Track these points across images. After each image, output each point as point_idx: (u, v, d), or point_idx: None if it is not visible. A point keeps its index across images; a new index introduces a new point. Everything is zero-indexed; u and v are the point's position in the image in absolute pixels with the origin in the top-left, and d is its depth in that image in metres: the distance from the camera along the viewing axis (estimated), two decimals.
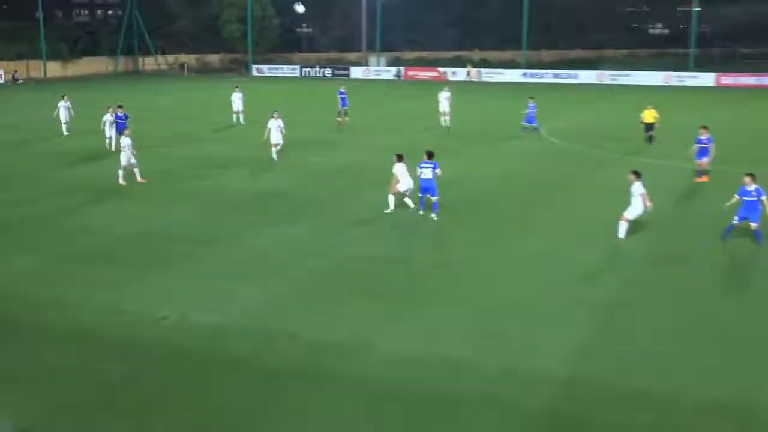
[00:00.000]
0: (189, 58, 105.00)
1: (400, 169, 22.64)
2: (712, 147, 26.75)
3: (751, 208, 19.33)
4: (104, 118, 35.29)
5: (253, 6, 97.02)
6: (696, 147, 27.14)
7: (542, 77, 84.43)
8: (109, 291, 16.51)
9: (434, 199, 22.42)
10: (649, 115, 36.02)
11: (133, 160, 27.65)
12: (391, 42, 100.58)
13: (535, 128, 40.05)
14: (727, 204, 19.91)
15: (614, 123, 44.64)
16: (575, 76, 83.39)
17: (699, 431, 10.88)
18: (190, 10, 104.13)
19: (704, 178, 27.12)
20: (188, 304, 15.76)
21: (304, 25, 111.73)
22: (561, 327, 14.56)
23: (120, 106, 36.05)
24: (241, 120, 45.08)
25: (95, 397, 11.94)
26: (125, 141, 27.75)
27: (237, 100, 45.34)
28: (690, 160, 27.72)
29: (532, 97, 41.58)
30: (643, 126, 36.17)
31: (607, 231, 20.26)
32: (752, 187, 19.43)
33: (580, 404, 11.74)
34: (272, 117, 32.61)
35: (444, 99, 42.03)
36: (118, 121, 34.83)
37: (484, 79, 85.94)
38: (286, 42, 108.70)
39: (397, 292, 16.60)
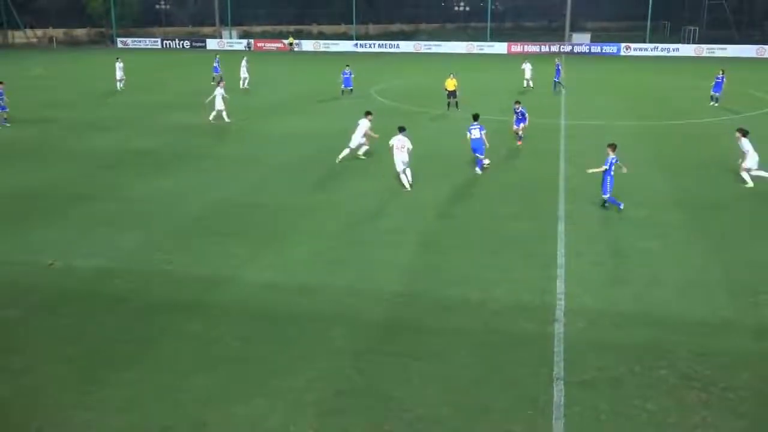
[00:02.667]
0: (57, 32, 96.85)
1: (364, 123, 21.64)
2: (527, 116, 26.04)
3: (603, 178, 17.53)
4: None
5: None
6: (514, 116, 26.32)
7: (370, 47, 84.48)
8: None
9: (481, 157, 21.48)
10: (451, 84, 35.13)
11: None
12: (240, 17, 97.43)
13: (351, 90, 40.52)
14: (589, 171, 18.34)
15: (428, 85, 45.42)
16: (396, 46, 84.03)
17: (495, 327, 11.56)
18: None
19: (520, 142, 26.38)
20: (72, 251, 14.88)
21: (162, 1, 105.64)
22: (392, 253, 14.87)
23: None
24: (120, 87, 43.24)
25: None
26: None
27: (119, 70, 43.54)
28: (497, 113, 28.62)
29: (347, 65, 42.21)
30: (446, 93, 35.22)
31: (419, 175, 20.81)
32: (610, 156, 17.43)
33: (410, 312, 12.10)
34: (218, 85, 31.02)
35: (243, 66, 43.72)
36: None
37: (322, 49, 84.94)
38: (147, 17, 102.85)
39: (256, 231, 16.37)
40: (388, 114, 33.88)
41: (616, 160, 17.47)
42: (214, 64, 46.54)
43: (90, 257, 14.56)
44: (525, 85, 43.10)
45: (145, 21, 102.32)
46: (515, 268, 14.05)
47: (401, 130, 19.82)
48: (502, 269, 13.98)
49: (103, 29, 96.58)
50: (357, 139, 22.45)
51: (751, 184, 19.87)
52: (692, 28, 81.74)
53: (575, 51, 77.58)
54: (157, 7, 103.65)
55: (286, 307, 12.27)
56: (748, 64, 62.42)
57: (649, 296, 12.66)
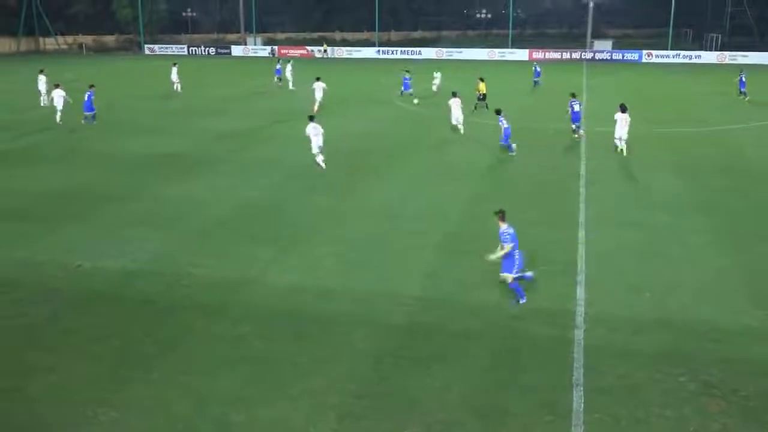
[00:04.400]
0: (87, 39, 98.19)
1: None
2: (582, 110, 27.72)
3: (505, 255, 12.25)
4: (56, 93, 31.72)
5: None
6: (569, 111, 27.81)
7: (392, 54, 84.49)
8: (27, 246, 15.59)
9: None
10: (483, 87, 36.58)
11: None
12: (265, 24, 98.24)
13: (411, 93, 41.18)
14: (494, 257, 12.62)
15: (450, 91, 45.19)
16: (419, 53, 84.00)
17: (515, 332, 11.54)
18: None
19: (579, 135, 27.84)
20: (99, 252, 15.09)
21: (189, 9, 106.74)
22: (413, 256, 14.88)
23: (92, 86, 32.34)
24: (179, 89, 44.79)
25: (23, 337, 11.36)
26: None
27: (174, 73, 45.61)
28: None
29: (407, 71, 43.35)
30: (477, 95, 36.14)
31: (440, 178, 20.77)
32: (502, 227, 12.20)
33: (431, 316, 12.11)
34: (316, 80, 34.86)
35: (288, 70, 47.70)
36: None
37: (345, 55, 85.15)
38: (174, 24, 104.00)
39: (279, 233, 16.47)
40: (410, 120, 33.98)
41: (510, 234, 12.12)
42: (277, 67, 50.18)
43: (117, 258, 14.74)
44: (435, 89, 43.30)
45: (172, 28, 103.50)
46: (536, 273, 13.96)
47: (311, 119, 22.39)
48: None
49: (131, 36, 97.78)
50: (458, 114, 28.83)
51: (620, 147, 24.60)
52: (714, 35, 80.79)
53: (597, 58, 77.07)
54: (184, 14, 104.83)
55: (309, 310, 12.33)
56: None
57: (670, 302, 12.54)
